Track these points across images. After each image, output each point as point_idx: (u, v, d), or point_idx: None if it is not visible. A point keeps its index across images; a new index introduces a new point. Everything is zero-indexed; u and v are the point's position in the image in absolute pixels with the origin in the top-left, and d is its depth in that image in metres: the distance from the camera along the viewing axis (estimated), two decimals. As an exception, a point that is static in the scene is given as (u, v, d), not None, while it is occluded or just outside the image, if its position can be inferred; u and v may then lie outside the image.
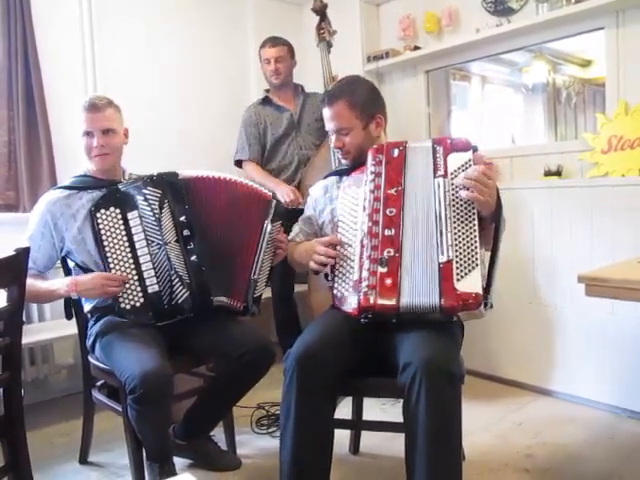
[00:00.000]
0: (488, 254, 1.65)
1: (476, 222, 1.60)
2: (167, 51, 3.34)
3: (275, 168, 3.01)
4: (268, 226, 2.02)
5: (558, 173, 2.66)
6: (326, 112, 1.90)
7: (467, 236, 1.59)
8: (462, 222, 1.61)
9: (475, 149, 1.68)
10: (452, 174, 1.65)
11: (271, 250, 2.05)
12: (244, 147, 3.01)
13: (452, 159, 1.67)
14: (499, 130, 4.09)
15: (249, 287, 2.00)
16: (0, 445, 1.61)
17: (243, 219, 2.02)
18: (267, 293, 3.07)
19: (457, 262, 1.56)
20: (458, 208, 1.62)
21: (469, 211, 1.62)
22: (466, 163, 1.65)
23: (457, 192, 1.62)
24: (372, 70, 3.32)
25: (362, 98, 1.88)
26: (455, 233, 1.59)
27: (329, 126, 1.91)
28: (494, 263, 1.64)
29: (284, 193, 2.81)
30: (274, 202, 2.07)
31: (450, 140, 1.71)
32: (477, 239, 1.59)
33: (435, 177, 1.67)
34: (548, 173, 2.68)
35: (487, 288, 1.59)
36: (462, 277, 1.55)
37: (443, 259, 1.57)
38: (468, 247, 1.58)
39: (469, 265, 1.56)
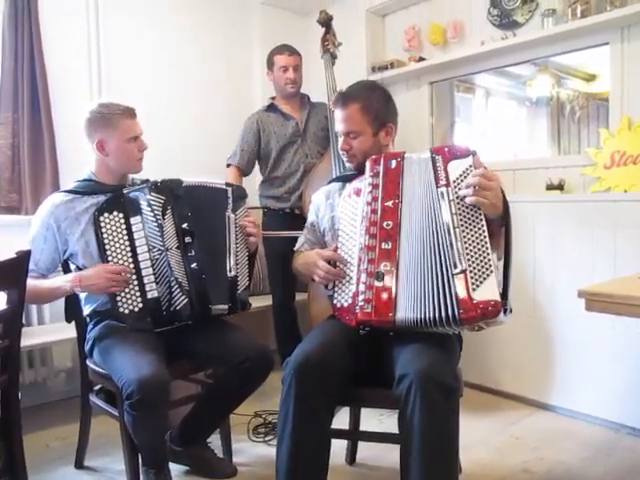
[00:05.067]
0: (501, 262, 1.61)
1: (485, 227, 1.56)
2: (173, 56, 3.37)
3: (280, 176, 3.00)
4: (230, 216, 2.04)
5: (560, 187, 2.66)
6: (338, 113, 1.87)
7: (478, 243, 1.55)
8: (471, 229, 1.56)
9: (474, 153, 1.63)
10: (455, 182, 1.60)
11: (242, 239, 2.06)
12: (236, 153, 3.01)
13: (452, 167, 1.62)
14: (502, 143, 4.09)
15: (231, 286, 2.01)
16: (-4, 448, 1.61)
17: (215, 219, 2.03)
18: (267, 300, 3.08)
19: (471, 271, 1.52)
20: (465, 215, 1.58)
21: (476, 217, 1.57)
22: (467, 169, 1.61)
23: (462, 199, 1.58)
24: (376, 81, 3.32)
25: (376, 104, 1.85)
26: (465, 241, 1.55)
27: (339, 127, 1.88)
28: (509, 266, 1.60)
29: None
30: (229, 190, 2.07)
31: (448, 148, 1.66)
32: (488, 244, 1.55)
33: (438, 187, 1.62)
34: (550, 187, 2.68)
35: (504, 293, 1.56)
36: (478, 286, 1.52)
37: (456, 270, 1.53)
38: (480, 254, 1.54)
39: (484, 273, 1.52)
